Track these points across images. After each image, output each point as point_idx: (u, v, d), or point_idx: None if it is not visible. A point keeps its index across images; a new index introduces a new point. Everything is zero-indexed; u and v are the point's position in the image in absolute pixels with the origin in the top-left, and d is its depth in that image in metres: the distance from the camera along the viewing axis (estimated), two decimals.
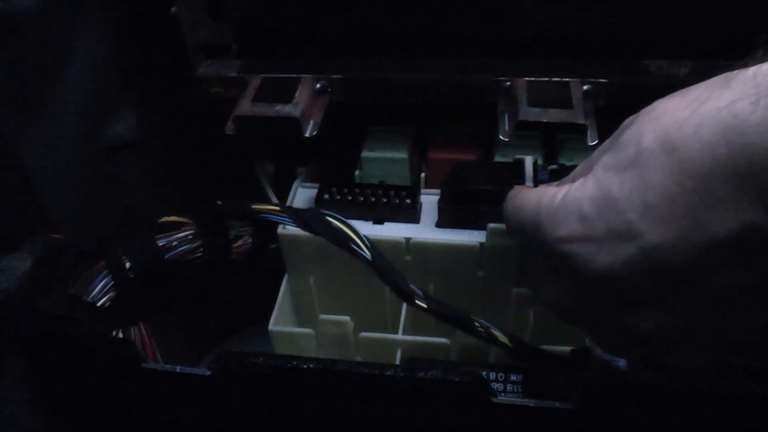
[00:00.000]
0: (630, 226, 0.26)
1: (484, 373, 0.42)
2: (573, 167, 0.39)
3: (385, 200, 0.45)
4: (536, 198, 0.31)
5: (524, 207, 0.32)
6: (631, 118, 0.28)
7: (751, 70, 0.24)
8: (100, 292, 0.40)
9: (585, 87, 0.42)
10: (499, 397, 0.34)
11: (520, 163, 0.43)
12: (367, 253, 0.39)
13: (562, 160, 0.46)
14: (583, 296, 0.30)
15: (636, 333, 0.28)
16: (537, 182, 0.41)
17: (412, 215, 0.45)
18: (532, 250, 0.33)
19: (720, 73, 0.25)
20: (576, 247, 0.28)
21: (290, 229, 0.43)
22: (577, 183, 0.29)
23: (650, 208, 0.25)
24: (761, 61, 0.24)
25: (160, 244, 0.43)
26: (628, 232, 0.26)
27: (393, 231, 0.44)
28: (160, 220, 0.44)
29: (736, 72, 0.24)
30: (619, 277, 0.27)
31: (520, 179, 0.42)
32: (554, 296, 0.32)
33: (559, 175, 0.38)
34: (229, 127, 0.42)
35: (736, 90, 0.23)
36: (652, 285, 0.26)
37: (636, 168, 0.26)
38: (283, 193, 0.49)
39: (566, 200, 0.29)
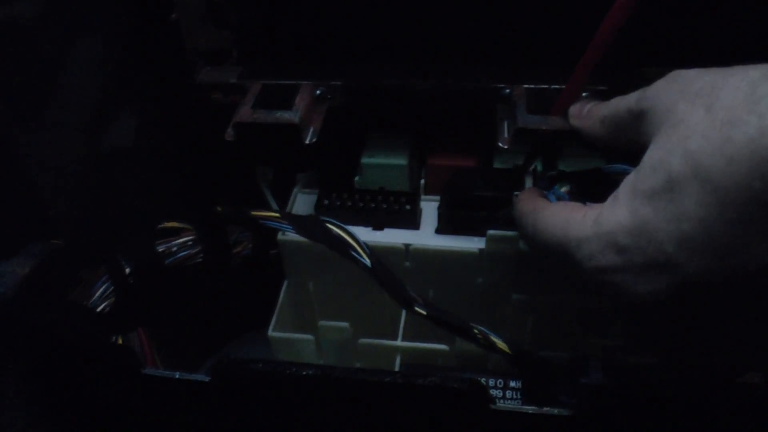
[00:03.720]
0: (668, 257, 0.25)
1: (483, 379, 0.42)
2: (573, 173, 0.39)
3: (385, 206, 0.45)
4: (562, 222, 0.30)
5: (549, 231, 0.31)
6: (635, 100, 0.29)
7: None
8: (100, 297, 0.41)
9: (584, 94, 0.42)
10: (497, 404, 0.34)
11: (520, 170, 0.43)
12: (367, 260, 0.39)
13: (561, 167, 0.46)
14: (619, 311, 0.30)
15: (669, 340, 0.29)
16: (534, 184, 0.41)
17: (411, 221, 0.45)
18: (557, 265, 0.33)
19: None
20: (613, 277, 0.28)
21: (290, 236, 0.43)
22: (607, 208, 0.28)
23: (687, 239, 0.25)
24: None
25: (160, 250, 0.43)
26: (667, 263, 0.26)
27: (393, 237, 0.44)
28: (160, 226, 0.44)
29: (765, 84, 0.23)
30: (657, 303, 0.27)
31: (520, 185, 0.42)
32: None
33: (558, 180, 0.39)
34: (229, 134, 0.42)
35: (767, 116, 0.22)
36: (689, 309, 0.27)
37: (670, 196, 0.25)
38: (283, 199, 0.49)
39: (599, 229, 0.28)
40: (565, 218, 0.30)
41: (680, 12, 0.41)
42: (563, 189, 0.37)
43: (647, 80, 0.42)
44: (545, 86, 0.42)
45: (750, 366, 0.31)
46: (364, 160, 0.48)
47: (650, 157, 0.26)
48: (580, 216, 0.29)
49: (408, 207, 0.45)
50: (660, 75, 0.29)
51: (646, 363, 0.40)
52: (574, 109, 0.35)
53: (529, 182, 0.44)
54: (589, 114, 0.34)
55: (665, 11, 0.41)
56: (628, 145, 0.30)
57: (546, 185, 0.39)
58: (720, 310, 0.26)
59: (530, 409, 0.33)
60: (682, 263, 0.25)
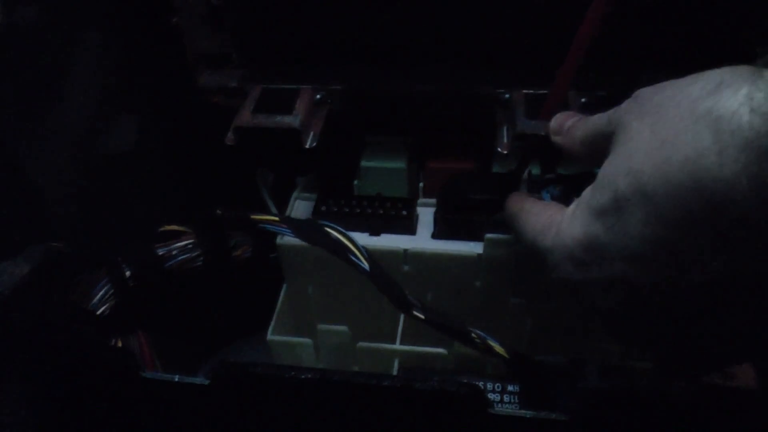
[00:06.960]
0: (620, 273, 0.26)
1: (481, 383, 0.42)
2: (566, 176, 0.39)
3: (382, 212, 0.45)
4: (537, 229, 0.31)
5: (527, 235, 0.32)
6: (607, 120, 0.29)
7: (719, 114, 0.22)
8: (100, 300, 0.41)
9: (582, 99, 0.42)
10: (495, 408, 0.34)
11: (515, 173, 0.43)
12: (365, 264, 0.39)
13: (559, 171, 0.46)
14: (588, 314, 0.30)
15: (635, 345, 0.30)
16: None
17: (408, 227, 0.45)
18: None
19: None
20: (577, 288, 0.29)
21: (289, 239, 0.43)
22: (566, 221, 0.29)
23: (635, 256, 0.25)
24: None
25: (160, 253, 0.43)
26: (619, 278, 0.26)
27: (389, 242, 0.44)
28: (160, 229, 0.44)
29: (708, 105, 0.23)
30: (617, 313, 0.28)
31: (517, 189, 0.42)
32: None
33: (552, 183, 0.39)
34: (230, 138, 0.42)
35: (704, 138, 0.22)
36: (647, 320, 0.27)
37: (616, 214, 0.26)
38: (282, 203, 0.49)
39: (558, 241, 0.29)
40: (541, 224, 0.31)
41: (674, 16, 0.41)
42: (559, 188, 0.38)
43: (644, 84, 0.43)
44: (544, 91, 0.42)
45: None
46: (364, 163, 0.48)
47: (601, 174, 0.27)
48: (549, 224, 0.30)
49: (405, 212, 0.45)
50: (655, 80, 0.29)
51: (644, 367, 0.40)
52: (555, 124, 0.35)
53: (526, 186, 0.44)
54: (568, 132, 0.33)
55: (658, 16, 0.41)
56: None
57: (538, 188, 0.39)
58: (679, 319, 0.27)
59: (528, 413, 0.33)
60: (633, 278, 0.26)
